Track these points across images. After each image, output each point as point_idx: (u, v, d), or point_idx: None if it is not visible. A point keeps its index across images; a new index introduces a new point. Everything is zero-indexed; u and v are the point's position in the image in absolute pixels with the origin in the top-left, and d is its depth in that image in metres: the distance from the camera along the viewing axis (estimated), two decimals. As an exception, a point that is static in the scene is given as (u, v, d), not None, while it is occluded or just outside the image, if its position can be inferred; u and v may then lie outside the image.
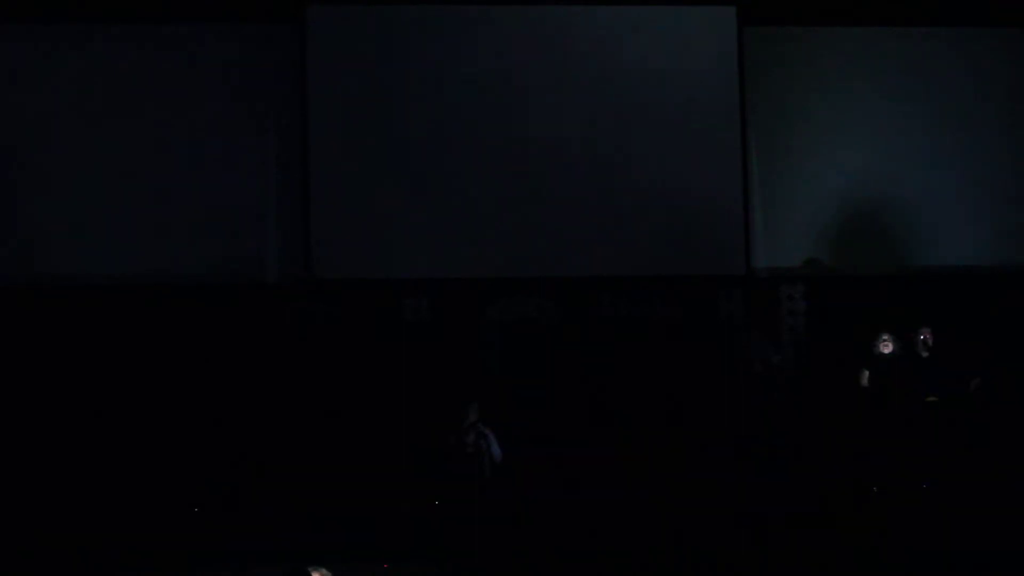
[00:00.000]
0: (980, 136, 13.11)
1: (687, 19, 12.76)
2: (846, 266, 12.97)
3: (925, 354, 11.58)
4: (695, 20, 12.76)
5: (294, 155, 12.46)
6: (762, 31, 12.93)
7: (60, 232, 12.22)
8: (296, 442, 11.94)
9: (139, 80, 12.39)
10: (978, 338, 12.06)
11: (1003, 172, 13.12)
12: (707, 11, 12.77)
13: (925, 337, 11.60)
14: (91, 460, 11.66)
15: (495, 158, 12.54)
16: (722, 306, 12.80)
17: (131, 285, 12.20)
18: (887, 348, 11.67)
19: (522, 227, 12.50)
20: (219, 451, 11.83)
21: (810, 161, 12.96)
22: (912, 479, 11.22)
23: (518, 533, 11.00)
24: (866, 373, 11.72)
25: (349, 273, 12.42)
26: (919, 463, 11.23)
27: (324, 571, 6.48)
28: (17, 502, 11.29)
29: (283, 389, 12.12)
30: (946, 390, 11.47)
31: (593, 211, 12.55)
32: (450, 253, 12.46)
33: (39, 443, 11.68)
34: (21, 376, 11.90)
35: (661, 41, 12.70)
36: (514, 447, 11.46)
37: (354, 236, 12.41)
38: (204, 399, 11.99)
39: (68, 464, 11.62)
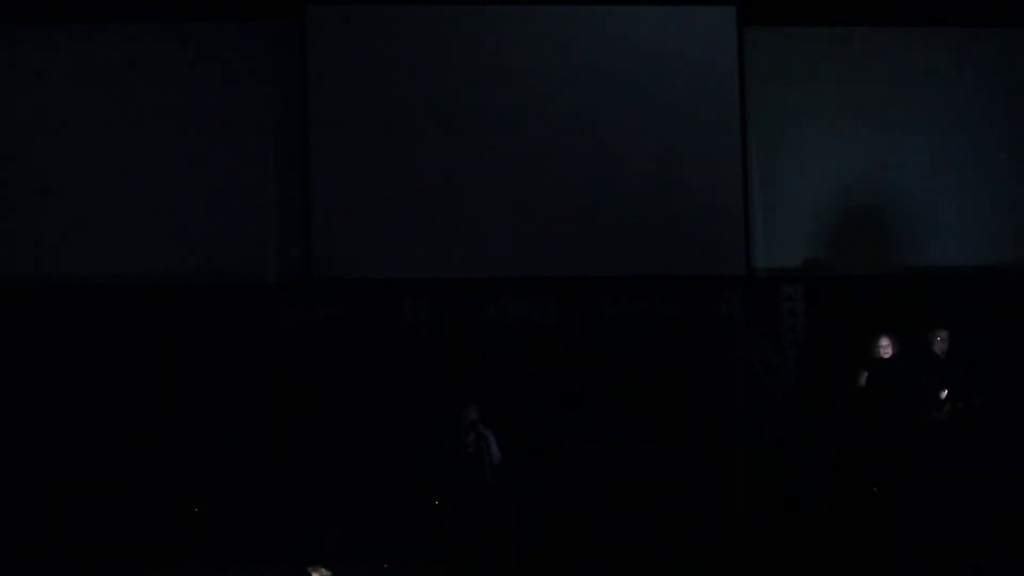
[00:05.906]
0: (980, 136, 13.10)
1: (687, 19, 12.76)
2: (846, 266, 12.97)
3: (940, 355, 11.50)
4: (695, 20, 12.76)
5: (294, 155, 12.46)
6: (762, 31, 12.93)
7: (60, 232, 12.22)
8: (295, 442, 11.95)
9: (139, 80, 12.38)
10: (978, 338, 12.05)
11: (1003, 172, 13.10)
12: (707, 11, 12.76)
13: (941, 338, 11.52)
14: (91, 460, 11.66)
15: (495, 158, 12.54)
16: (722, 306, 12.80)
17: (131, 285, 12.19)
18: (887, 353, 11.57)
19: (522, 227, 12.50)
20: (219, 451, 11.83)
21: (810, 161, 12.95)
22: (912, 479, 11.21)
23: (518, 533, 11.01)
24: (864, 374, 11.69)
25: (349, 273, 12.42)
26: (919, 463, 11.23)
27: (324, 571, 6.49)
28: (17, 502, 11.30)
29: (283, 389, 12.12)
30: (949, 390, 11.46)
31: (593, 211, 12.55)
32: (450, 253, 12.46)
33: (39, 443, 11.68)
34: (21, 376, 11.89)
35: (661, 41, 12.70)
36: (513, 447, 11.48)
37: (354, 236, 12.41)
38: (204, 399, 11.99)
39: (68, 463, 11.62)
